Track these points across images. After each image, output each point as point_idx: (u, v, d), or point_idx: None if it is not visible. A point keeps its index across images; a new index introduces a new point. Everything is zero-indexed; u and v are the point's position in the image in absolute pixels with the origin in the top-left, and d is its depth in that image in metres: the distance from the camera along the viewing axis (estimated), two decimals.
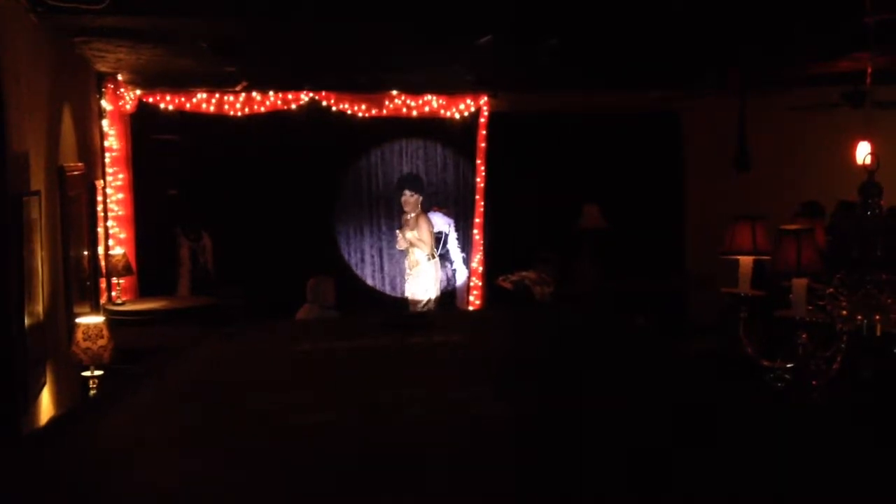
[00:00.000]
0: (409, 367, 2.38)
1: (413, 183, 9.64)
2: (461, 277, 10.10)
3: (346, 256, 10.24)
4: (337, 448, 1.78)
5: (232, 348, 2.73)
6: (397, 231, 9.59)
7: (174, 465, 1.72)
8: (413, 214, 9.44)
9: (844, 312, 3.38)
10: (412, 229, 9.38)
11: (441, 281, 9.74)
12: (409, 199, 9.44)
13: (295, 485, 1.60)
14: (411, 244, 9.36)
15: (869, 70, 4.85)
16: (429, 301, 9.47)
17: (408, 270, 9.58)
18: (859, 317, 3.34)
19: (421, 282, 9.49)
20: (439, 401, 2.06)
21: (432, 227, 9.57)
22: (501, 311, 7.13)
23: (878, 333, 3.31)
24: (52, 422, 4.33)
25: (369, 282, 10.30)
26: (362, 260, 10.31)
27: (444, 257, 9.97)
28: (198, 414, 2.04)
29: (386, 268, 10.30)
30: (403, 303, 9.71)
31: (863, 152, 3.92)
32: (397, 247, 9.61)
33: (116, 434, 1.94)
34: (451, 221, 10.22)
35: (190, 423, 1.98)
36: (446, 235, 10.09)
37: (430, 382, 2.23)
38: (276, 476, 1.62)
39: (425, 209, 9.63)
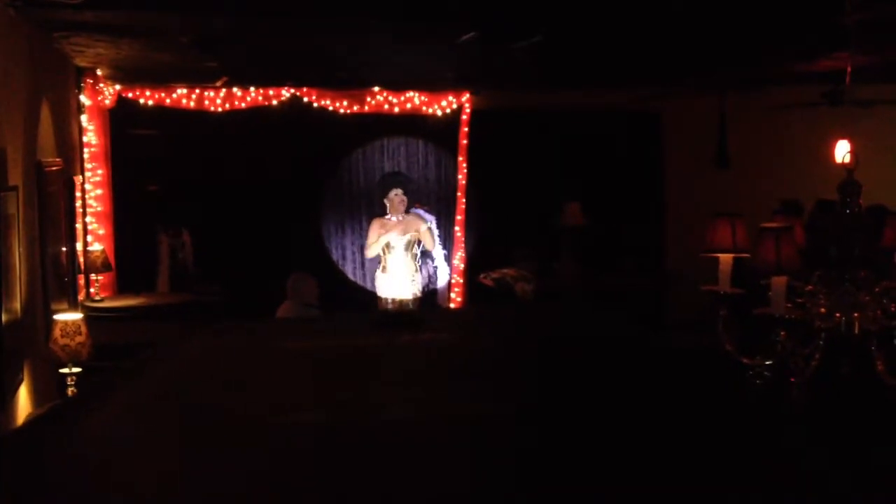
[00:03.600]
0: (400, 367, 2.38)
1: (404, 182, 9.35)
2: (443, 275, 10.08)
3: (327, 253, 10.19)
4: (329, 447, 1.78)
5: (219, 346, 2.71)
6: (393, 232, 9.06)
7: (158, 465, 1.71)
8: (400, 217, 9.26)
9: (823, 310, 3.40)
10: (414, 229, 8.99)
11: (423, 279, 9.71)
12: (403, 198, 8.97)
13: (285, 484, 1.59)
14: (419, 239, 9.11)
15: (848, 69, 4.88)
16: (406, 301, 9.39)
17: (384, 270, 9.50)
18: (838, 314, 3.36)
19: (401, 280, 9.42)
20: (431, 399, 2.06)
21: None
22: (488, 309, 7.14)
23: (857, 331, 3.33)
24: (32, 420, 4.30)
25: (350, 279, 10.26)
26: (343, 257, 10.28)
27: (426, 255, 9.93)
28: (184, 413, 2.03)
29: (367, 265, 10.26)
30: (383, 301, 9.65)
31: (842, 151, 3.95)
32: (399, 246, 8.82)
33: (99, 433, 1.92)
34: (433, 219, 10.20)
35: (175, 421, 1.96)
36: None
37: (421, 381, 2.23)
38: (265, 476, 1.61)
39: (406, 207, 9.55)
